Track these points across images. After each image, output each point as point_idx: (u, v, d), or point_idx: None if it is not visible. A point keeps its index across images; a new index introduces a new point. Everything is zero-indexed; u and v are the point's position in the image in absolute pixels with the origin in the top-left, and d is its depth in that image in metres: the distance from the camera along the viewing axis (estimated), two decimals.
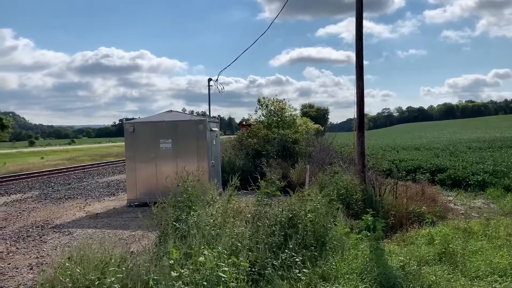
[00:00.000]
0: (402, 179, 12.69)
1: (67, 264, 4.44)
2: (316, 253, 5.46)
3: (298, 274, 4.77)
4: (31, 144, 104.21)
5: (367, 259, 5.61)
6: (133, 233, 8.45)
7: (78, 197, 14.20)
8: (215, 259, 4.21)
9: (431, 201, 10.09)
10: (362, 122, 10.85)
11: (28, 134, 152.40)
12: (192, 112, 42.50)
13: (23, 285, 5.76)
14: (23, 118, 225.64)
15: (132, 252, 5.55)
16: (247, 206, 6.51)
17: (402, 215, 8.92)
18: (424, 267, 5.66)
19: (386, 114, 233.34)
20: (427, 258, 6.17)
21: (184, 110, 39.94)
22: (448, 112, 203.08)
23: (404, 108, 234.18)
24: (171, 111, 13.67)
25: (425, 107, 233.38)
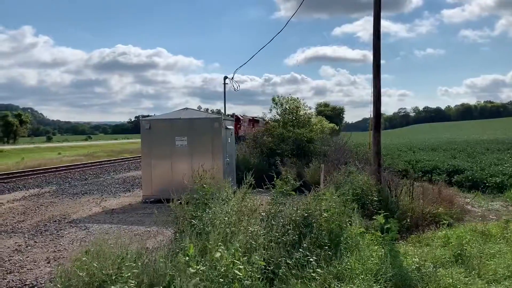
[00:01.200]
0: (418, 180, 12.54)
1: (84, 259, 4.50)
2: (330, 253, 5.43)
3: (312, 274, 4.76)
4: (49, 139, 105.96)
5: (382, 259, 5.56)
6: (148, 229, 8.53)
7: (95, 193, 14.38)
8: (231, 256, 4.23)
9: (448, 202, 9.95)
10: (378, 122, 10.76)
11: (46, 130, 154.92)
12: (207, 110, 42.66)
13: (41, 278, 5.85)
14: (41, 114, 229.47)
15: (147, 248, 5.61)
16: (261, 205, 6.52)
17: (418, 216, 8.82)
18: (440, 269, 5.60)
19: (402, 114, 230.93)
20: (443, 260, 6.10)
21: (199, 108, 39.92)
22: (466, 113, 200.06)
23: (421, 108, 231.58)
24: (187, 108, 13.75)
25: (442, 107, 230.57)
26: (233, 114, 43.68)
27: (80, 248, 5.45)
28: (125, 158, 33.49)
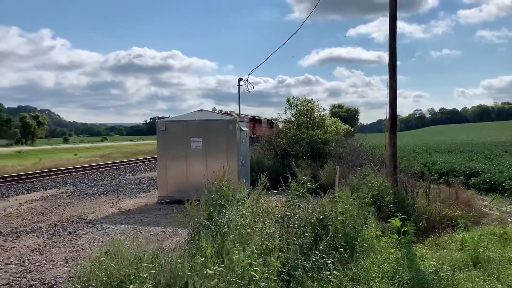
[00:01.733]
0: (434, 182, 12.40)
1: (102, 259, 4.56)
2: (346, 255, 5.41)
3: (328, 276, 4.74)
4: (66, 141, 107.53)
5: (399, 262, 5.52)
6: (164, 230, 8.59)
7: (111, 194, 14.54)
8: (247, 258, 4.24)
9: (465, 205, 9.82)
10: (394, 123, 10.68)
11: (63, 131, 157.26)
12: (221, 111, 42.51)
13: (59, 277, 5.95)
14: (58, 115, 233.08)
15: (163, 248, 5.66)
16: (276, 206, 6.52)
17: (435, 219, 8.73)
18: (458, 273, 5.53)
19: (418, 115, 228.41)
20: (461, 263, 6.02)
21: (214, 109, 40.77)
22: (483, 114, 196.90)
23: (436, 109, 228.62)
24: (202, 110, 13.82)
25: (459, 108, 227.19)
26: (227, 112, 42.56)
27: (98, 249, 5.52)
28: (141, 159, 33.79)
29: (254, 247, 4.45)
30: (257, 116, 45.70)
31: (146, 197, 13.83)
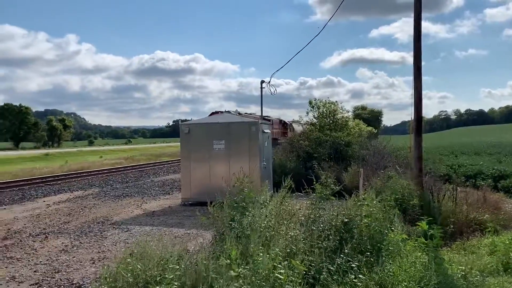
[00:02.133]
0: (461, 185, 12.14)
1: (128, 260, 4.63)
2: (372, 259, 5.33)
3: (354, 280, 4.69)
4: (91, 143, 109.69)
5: (426, 267, 5.41)
6: (188, 231, 8.66)
7: (135, 195, 14.75)
8: (272, 260, 4.24)
9: (494, 208, 9.58)
10: (419, 125, 10.51)
11: (88, 134, 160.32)
12: (239, 113, 42.39)
13: (86, 278, 6.05)
14: (83, 118, 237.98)
15: (188, 250, 5.70)
16: (300, 209, 6.49)
17: (462, 222, 8.55)
18: (487, 278, 5.39)
19: (443, 116, 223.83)
20: (490, 268, 5.87)
21: (237, 112, 41.11)
22: (511, 115, 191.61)
23: (462, 110, 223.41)
24: (224, 111, 13.88)
25: (486, 109, 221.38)
26: (246, 113, 41.42)
27: (124, 250, 5.61)
28: (164, 162, 34.15)
29: (278, 249, 4.44)
30: (267, 116, 44.20)
31: (170, 198, 13.97)
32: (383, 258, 5.45)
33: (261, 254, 4.42)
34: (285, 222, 5.86)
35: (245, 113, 39.83)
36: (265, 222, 5.68)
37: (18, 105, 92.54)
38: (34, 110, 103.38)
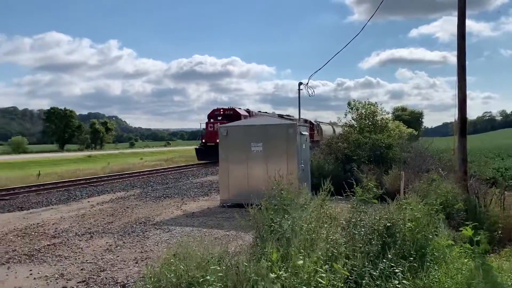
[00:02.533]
0: (509, 189, 11.63)
1: (171, 260, 4.72)
2: (416, 264, 5.20)
3: (397, 286, 4.58)
4: (132, 145, 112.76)
5: (473, 274, 5.22)
6: (227, 233, 8.73)
7: (175, 196, 15.02)
8: (313, 264, 4.21)
9: None
10: (464, 126, 10.17)
11: (129, 136, 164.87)
12: (282, 115, 41.50)
13: (130, 277, 6.22)
14: (124, 121, 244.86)
15: (228, 251, 5.75)
16: (340, 212, 6.42)
17: (511, 228, 8.19)
18: None
19: (487, 118, 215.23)
20: None
21: (275, 114, 40.35)
22: None
23: (508, 111, 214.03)
24: (260, 112, 13.92)
25: None
26: (282, 116, 40.14)
27: (166, 250, 5.71)
28: (202, 163, 34.58)
29: (320, 253, 4.41)
30: (287, 116, 42.11)
31: (209, 200, 14.14)
32: (428, 264, 5.30)
33: (302, 257, 4.40)
34: (325, 225, 5.82)
35: (248, 109, 38.77)
36: (306, 225, 5.66)
37: (63, 109, 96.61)
38: (78, 114, 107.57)
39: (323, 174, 13.55)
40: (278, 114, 41.79)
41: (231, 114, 32.76)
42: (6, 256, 7.48)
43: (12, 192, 16.65)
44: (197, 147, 33.95)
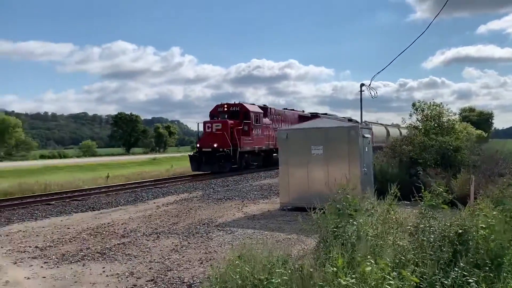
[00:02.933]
0: None
1: (236, 262, 4.79)
2: (491, 274, 4.90)
3: None
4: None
5: None
6: (289, 236, 8.72)
7: (236, 199, 15.25)
8: (380, 271, 4.10)
9: None
10: None
11: (190, 139, 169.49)
12: (346, 119, 39.50)
13: (196, 277, 6.39)
14: (186, 125, 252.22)
15: (291, 255, 5.74)
16: (407, 218, 6.19)
17: None
18: None
19: None
20: None
21: (335, 116, 38.11)
22: None
23: None
24: (322, 117, 13.79)
25: None
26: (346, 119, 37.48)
27: (230, 251, 5.80)
28: (260, 167, 34.81)
29: (388, 259, 4.28)
30: (303, 112, 36.41)
31: (269, 203, 14.20)
32: (505, 274, 4.97)
33: (369, 263, 4.30)
34: (392, 231, 5.65)
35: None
36: (372, 231, 5.53)
37: (129, 114, 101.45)
38: (143, 118, 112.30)
39: (387, 178, 13.15)
40: (327, 115, 37.93)
41: (237, 111, 27.66)
42: (81, 253, 7.96)
43: (84, 193, 17.70)
44: (192, 153, 27.82)
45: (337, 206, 5.97)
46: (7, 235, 9.79)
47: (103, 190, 18.60)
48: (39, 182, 20.60)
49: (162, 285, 6.13)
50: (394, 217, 5.99)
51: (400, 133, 35.63)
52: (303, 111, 37.13)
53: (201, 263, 7.15)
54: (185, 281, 6.24)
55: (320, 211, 5.99)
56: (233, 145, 25.71)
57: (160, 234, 9.54)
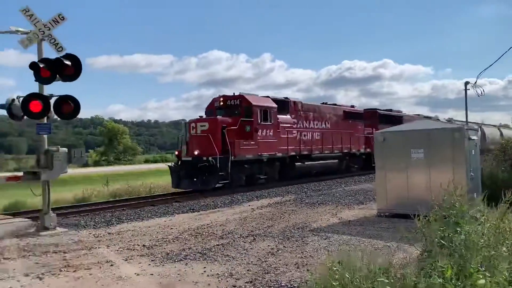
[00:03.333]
0: None
1: (335, 269, 4.71)
2: None
3: None
4: None
5: None
6: (388, 244, 8.36)
7: (329, 203, 15.03)
8: (496, 284, 3.76)
9: None
10: None
11: None
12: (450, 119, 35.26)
13: (293, 281, 6.39)
14: None
15: (391, 264, 5.49)
16: None
17: None
18: None
19: None
20: None
21: (436, 117, 34.01)
22: None
23: None
24: (424, 118, 13.07)
25: None
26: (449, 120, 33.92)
27: (326, 257, 5.72)
28: (353, 172, 33.95)
29: (506, 273, 3.91)
30: (353, 107, 30.94)
31: (364, 208, 13.79)
32: None
33: (481, 276, 3.97)
34: (507, 241, 5.16)
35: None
36: (482, 241, 5.10)
37: None
38: None
39: (497, 183, 12.07)
40: (386, 111, 32.65)
41: (237, 105, 20.92)
42: (184, 253, 8.39)
43: (185, 196, 18.65)
44: (171, 164, 20.41)
45: (443, 213, 5.60)
46: (118, 234, 10.66)
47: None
48: (144, 185, 22.23)
49: (260, 287, 6.23)
50: (509, 227, 5.46)
51: None
52: (353, 106, 31.02)
53: (298, 267, 7.14)
54: (282, 284, 6.27)
55: (424, 218, 5.67)
56: (224, 151, 18.96)
57: (256, 236, 9.72)
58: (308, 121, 24.88)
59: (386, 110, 33.47)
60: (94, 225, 12.02)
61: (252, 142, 20.29)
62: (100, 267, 7.48)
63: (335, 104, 29.03)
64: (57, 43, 10.85)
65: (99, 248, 9.03)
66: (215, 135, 18.91)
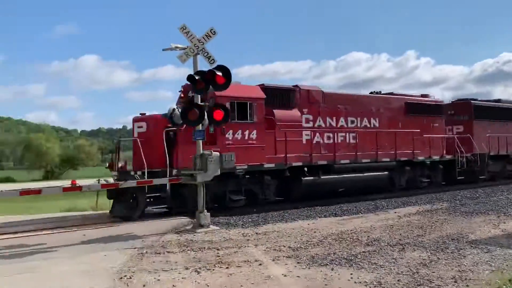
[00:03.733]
0: None
1: (504, 287, 4.18)
2: None
3: None
4: None
5: None
6: None
7: (489, 213, 13.48)
8: None
9: None
10: None
11: None
12: None
13: None
14: None
15: None
16: None
17: None
18: None
19: None
20: None
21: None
22: None
23: None
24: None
25: None
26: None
27: (495, 273, 5.10)
28: None
29: None
30: (422, 96, 22.18)
31: None
32: None
33: None
34: None
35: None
36: None
37: None
38: None
39: None
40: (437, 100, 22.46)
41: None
42: (329, 257, 8.32)
43: (324, 200, 18.55)
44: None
45: None
46: (264, 234, 11.09)
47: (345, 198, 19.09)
48: None
49: None
50: None
51: None
52: (426, 96, 22.39)
53: (455, 281, 6.52)
54: None
55: None
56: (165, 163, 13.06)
57: (405, 245, 9.17)
58: (334, 118, 17.77)
59: (488, 100, 25.99)
60: (242, 224, 12.69)
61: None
62: (250, 266, 7.85)
63: (392, 94, 21.22)
64: (210, 56, 11.81)
65: (248, 247, 9.50)
66: (154, 140, 13.39)
